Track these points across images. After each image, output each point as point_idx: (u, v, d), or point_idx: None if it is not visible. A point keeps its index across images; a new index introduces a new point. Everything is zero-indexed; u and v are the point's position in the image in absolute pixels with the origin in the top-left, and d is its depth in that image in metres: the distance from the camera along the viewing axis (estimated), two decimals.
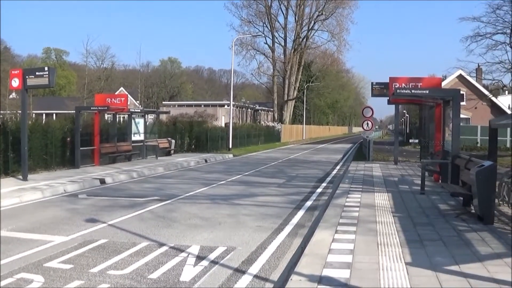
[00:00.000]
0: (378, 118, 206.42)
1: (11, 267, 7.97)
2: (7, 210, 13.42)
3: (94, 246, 9.31)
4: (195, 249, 9.10)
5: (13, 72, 19.21)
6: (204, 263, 8.26)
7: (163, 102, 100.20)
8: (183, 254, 8.77)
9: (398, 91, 16.43)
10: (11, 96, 70.35)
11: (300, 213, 13.05)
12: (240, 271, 7.83)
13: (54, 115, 60.21)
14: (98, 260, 8.40)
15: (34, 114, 50.81)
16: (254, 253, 8.90)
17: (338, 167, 28.04)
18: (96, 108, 25.72)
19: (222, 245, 9.42)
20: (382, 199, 14.25)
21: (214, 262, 8.30)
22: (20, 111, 20.90)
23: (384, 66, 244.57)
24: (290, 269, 7.52)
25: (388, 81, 23.81)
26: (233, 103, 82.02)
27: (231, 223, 11.57)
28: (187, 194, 16.36)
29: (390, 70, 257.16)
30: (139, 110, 32.64)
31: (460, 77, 52.23)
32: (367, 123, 31.52)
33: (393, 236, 9.35)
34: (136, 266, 8.07)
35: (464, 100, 43.60)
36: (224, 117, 76.15)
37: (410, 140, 51.48)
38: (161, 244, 9.45)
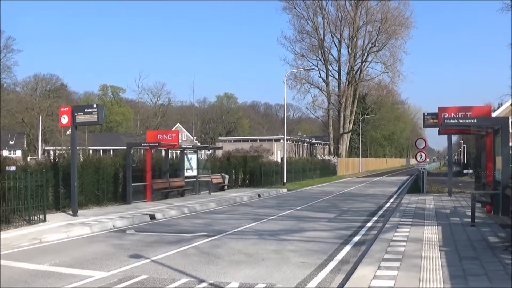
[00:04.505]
0: (435, 149, 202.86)
1: None
2: (52, 245, 13.67)
3: (133, 282, 9.29)
4: (233, 286, 8.97)
5: (62, 109, 19.59)
6: None
7: (219, 138, 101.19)
8: None
9: (446, 121, 16.16)
10: (68, 133, 72.41)
11: (347, 248, 12.76)
12: None
13: (111, 151, 61.47)
14: None
15: (91, 150, 52.00)
16: None
17: (391, 200, 27.55)
18: (147, 144, 26.11)
19: (262, 282, 9.25)
20: (431, 232, 13.89)
21: None
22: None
23: (441, 96, 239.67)
24: None
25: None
26: (289, 137, 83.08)
27: (275, 259, 11.37)
28: (235, 230, 16.26)
29: (448, 99, 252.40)
30: (190, 146, 32.88)
31: None
32: (421, 155, 31.07)
33: (436, 272, 9.02)
34: None
35: None
36: (280, 151, 76.11)
37: (465, 171, 50.32)
38: (201, 281, 9.35)
